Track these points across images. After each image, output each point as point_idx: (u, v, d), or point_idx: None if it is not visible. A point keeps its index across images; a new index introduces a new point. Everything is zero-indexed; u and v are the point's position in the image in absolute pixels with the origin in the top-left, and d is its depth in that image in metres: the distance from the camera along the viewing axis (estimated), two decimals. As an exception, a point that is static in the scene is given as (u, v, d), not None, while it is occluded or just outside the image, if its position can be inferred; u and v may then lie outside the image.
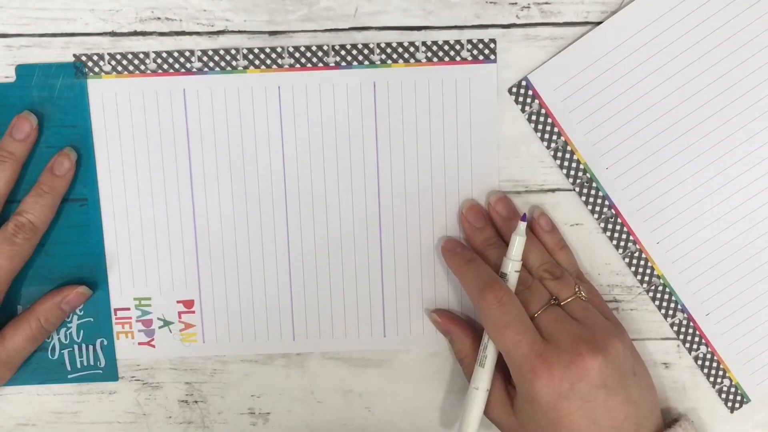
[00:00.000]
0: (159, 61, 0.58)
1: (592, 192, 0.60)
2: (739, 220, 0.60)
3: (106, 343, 0.61)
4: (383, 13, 0.58)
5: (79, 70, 0.58)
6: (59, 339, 0.60)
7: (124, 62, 0.58)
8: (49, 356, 0.61)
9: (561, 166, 0.60)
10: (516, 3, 0.58)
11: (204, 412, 0.62)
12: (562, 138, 0.59)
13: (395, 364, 0.62)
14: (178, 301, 0.61)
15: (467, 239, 0.60)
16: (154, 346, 0.61)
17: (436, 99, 0.58)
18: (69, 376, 0.61)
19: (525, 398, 0.55)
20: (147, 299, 0.61)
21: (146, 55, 0.58)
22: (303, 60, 0.58)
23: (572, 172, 0.60)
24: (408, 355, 0.62)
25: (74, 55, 0.58)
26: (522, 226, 0.57)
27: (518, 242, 0.57)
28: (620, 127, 0.59)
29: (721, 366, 0.62)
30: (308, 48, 0.58)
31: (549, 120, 0.59)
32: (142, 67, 0.58)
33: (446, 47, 0.58)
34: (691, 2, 0.58)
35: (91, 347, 0.61)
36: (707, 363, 0.62)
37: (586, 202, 0.60)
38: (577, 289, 0.57)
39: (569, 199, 0.60)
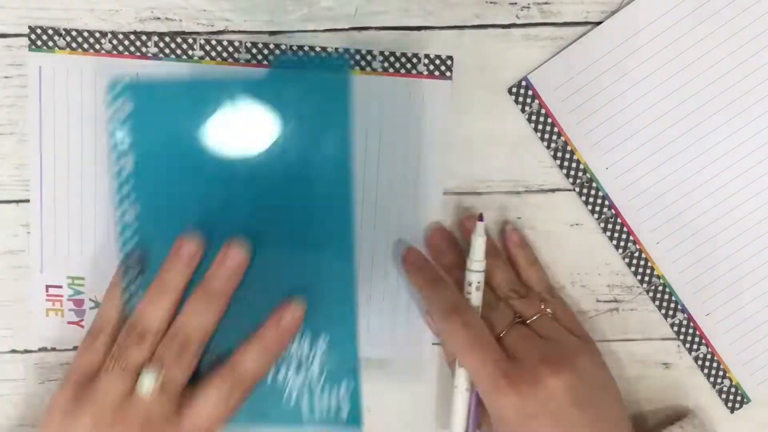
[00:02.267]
0: (115, 42, 0.58)
1: (592, 192, 0.60)
2: (739, 220, 0.60)
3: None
4: (383, 13, 0.58)
5: (32, 42, 0.57)
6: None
7: (80, 39, 0.57)
8: None
9: (561, 166, 0.60)
10: (516, 3, 0.58)
11: (204, 413, 0.62)
12: (562, 138, 0.59)
13: (395, 364, 0.62)
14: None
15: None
16: (83, 327, 0.60)
17: (389, 109, 0.58)
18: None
19: (495, 417, 0.55)
20: (80, 279, 0.60)
21: (103, 34, 0.58)
22: (259, 56, 0.58)
23: (572, 172, 0.60)
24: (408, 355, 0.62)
25: (29, 27, 0.57)
26: (479, 226, 0.56)
27: (478, 243, 0.56)
28: (620, 128, 0.59)
29: (721, 366, 0.62)
30: (266, 45, 0.58)
31: (549, 120, 0.59)
32: (97, 47, 0.57)
33: (403, 59, 0.58)
34: (691, 2, 0.58)
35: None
36: (707, 363, 0.62)
37: (586, 202, 0.60)
38: (542, 307, 0.57)
39: (569, 199, 0.60)
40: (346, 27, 0.58)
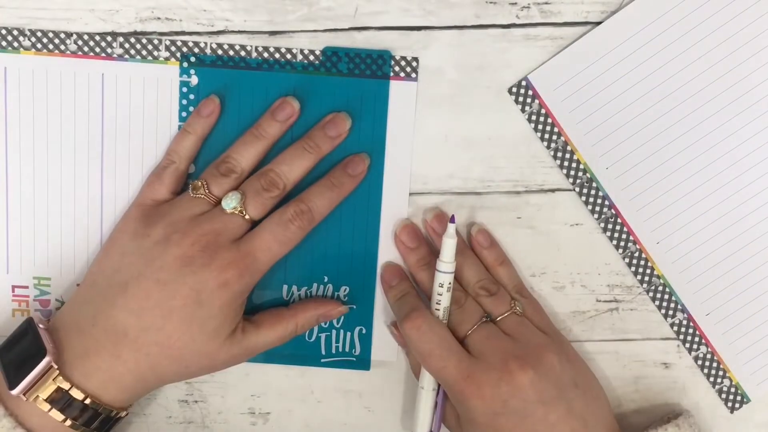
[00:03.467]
0: (80, 43, 0.58)
1: (592, 192, 0.60)
2: (739, 220, 0.60)
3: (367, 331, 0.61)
4: (383, 13, 0.58)
5: None
6: None
7: (45, 40, 0.57)
8: None
9: (561, 166, 0.60)
10: (516, 3, 0.58)
11: (204, 412, 0.62)
12: (562, 138, 0.59)
13: (395, 364, 0.62)
14: (78, 285, 0.59)
15: (402, 259, 0.60)
16: None
17: (354, 111, 0.58)
18: None
19: (464, 418, 0.55)
20: (47, 279, 0.60)
21: (68, 35, 0.58)
22: (226, 58, 0.58)
23: (572, 172, 0.60)
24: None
25: None
26: (450, 228, 0.56)
27: (448, 245, 0.56)
28: (620, 127, 0.59)
29: (721, 366, 0.62)
30: (231, 46, 0.58)
31: (549, 120, 0.59)
32: (62, 47, 0.57)
33: (369, 61, 0.58)
34: (691, 2, 0.58)
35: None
36: (707, 363, 0.62)
37: (586, 202, 0.60)
38: (512, 305, 0.57)
39: (569, 199, 0.60)
40: (346, 27, 0.58)
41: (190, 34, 0.58)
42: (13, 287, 0.60)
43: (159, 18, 0.58)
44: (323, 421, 0.63)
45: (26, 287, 0.60)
